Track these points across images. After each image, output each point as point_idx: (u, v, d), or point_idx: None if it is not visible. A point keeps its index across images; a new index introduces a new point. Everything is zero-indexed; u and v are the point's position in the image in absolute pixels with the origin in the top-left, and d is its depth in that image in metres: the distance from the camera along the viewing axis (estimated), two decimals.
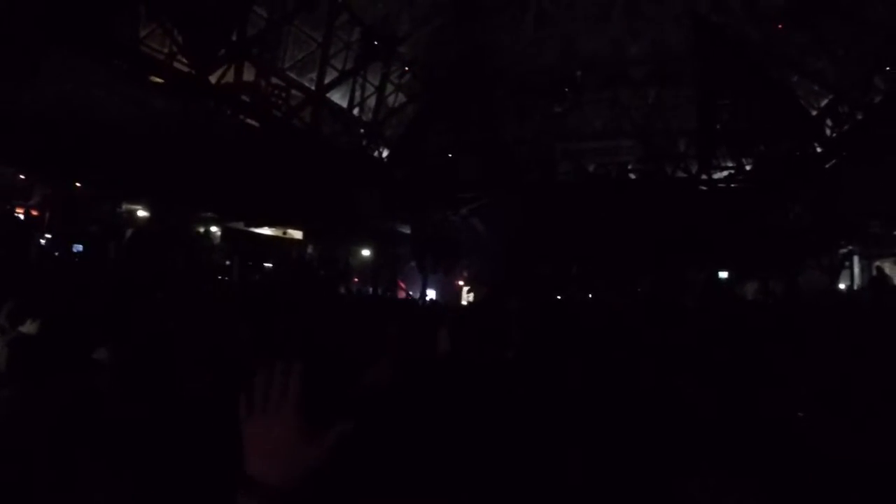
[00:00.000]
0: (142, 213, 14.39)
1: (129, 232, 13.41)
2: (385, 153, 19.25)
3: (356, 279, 19.28)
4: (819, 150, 14.52)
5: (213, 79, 14.37)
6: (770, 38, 14.86)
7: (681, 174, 18.28)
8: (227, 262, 16.38)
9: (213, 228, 16.17)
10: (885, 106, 12.22)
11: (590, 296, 17.97)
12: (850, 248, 15.00)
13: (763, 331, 7.66)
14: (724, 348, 5.66)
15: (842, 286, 14.69)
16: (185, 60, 13.79)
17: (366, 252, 19.87)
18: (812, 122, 14.79)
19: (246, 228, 16.77)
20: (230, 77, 14.80)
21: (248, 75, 15.36)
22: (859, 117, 13.14)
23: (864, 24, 11.91)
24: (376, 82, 18.18)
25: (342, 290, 18.14)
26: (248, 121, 15.50)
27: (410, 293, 20.25)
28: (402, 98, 19.02)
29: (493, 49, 18.25)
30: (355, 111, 18.15)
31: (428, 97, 18.93)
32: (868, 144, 12.89)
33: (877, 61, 12.09)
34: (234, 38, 14.48)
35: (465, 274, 21.02)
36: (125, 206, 14.30)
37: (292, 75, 16.48)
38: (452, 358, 4.67)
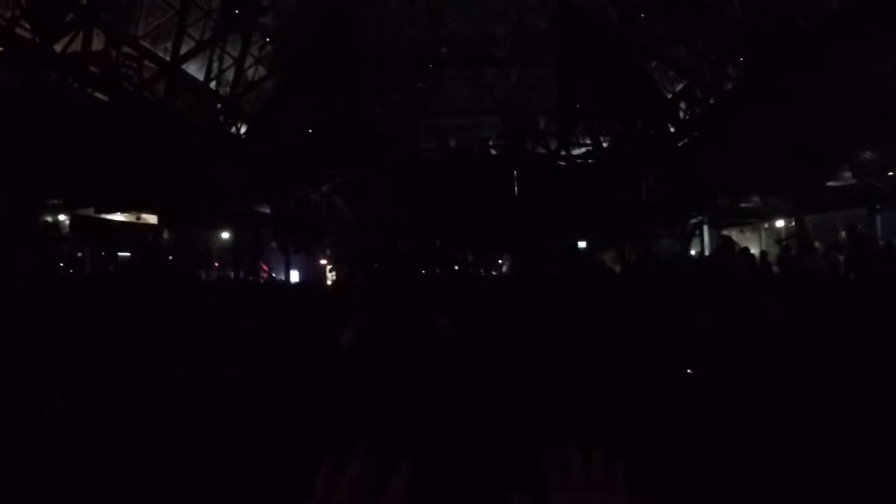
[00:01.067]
0: None
1: None
2: (243, 129, 18.18)
3: (216, 263, 18.20)
4: (672, 130, 15.89)
5: (58, 48, 12.75)
6: (632, 24, 15.92)
7: (541, 150, 19.13)
8: (79, 254, 14.88)
9: (61, 217, 14.45)
10: (736, 92, 13.62)
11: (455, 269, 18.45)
12: (700, 218, 16.67)
13: (616, 291, 8.47)
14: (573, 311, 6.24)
15: (693, 252, 16.32)
16: (27, 26, 12.12)
17: (225, 234, 18.76)
18: (666, 104, 16.13)
19: (96, 215, 15.18)
20: (77, 46, 13.21)
21: (98, 44, 13.77)
22: (711, 101, 14.54)
23: (720, 18, 13.14)
24: (236, 54, 17.02)
25: (203, 275, 17.10)
26: (97, 94, 13.96)
27: (273, 275, 19.52)
28: (262, 71, 17.98)
29: (358, 23, 17.80)
30: (212, 84, 16.90)
31: (289, 70, 18.08)
32: (718, 126, 14.32)
33: (730, 51, 13.41)
34: (82, 1, 12.95)
35: (328, 253, 20.60)
36: None
37: (146, 45, 15.00)
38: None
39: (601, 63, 16.41)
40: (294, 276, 19.50)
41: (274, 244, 19.74)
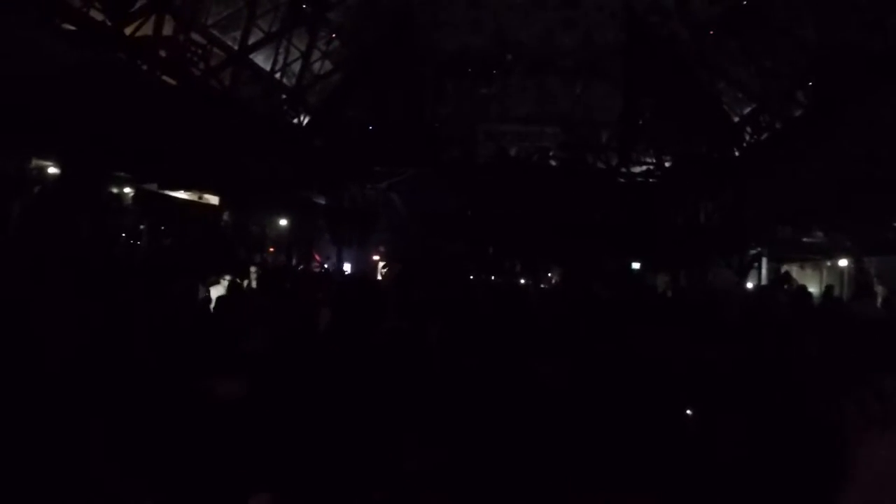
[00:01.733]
0: (52, 170, 13.16)
1: (35, 189, 12.29)
2: (306, 121, 18.54)
3: (272, 249, 18.61)
4: (737, 154, 15.23)
5: (129, 31, 13.28)
6: (701, 43, 15.37)
7: (600, 165, 18.71)
8: (141, 227, 15.49)
9: (127, 190, 15.06)
10: (804, 119, 12.93)
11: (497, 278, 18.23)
12: (759, 250, 15.91)
13: (664, 318, 8.04)
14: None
15: (749, 285, 15.57)
16: (100, 7, 12.65)
17: (283, 222, 19.15)
18: (733, 127, 15.49)
19: (159, 191, 15.74)
20: (148, 30, 13.73)
21: (168, 30, 14.27)
22: (778, 127, 13.85)
23: (793, 40, 12.49)
24: (303, 47, 17.36)
25: (257, 259, 17.50)
26: (165, 78, 14.45)
27: (325, 265, 19.80)
28: (328, 66, 18.29)
29: (425, 24, 17.86)
30: (278, 75, 17.28)
31: (353, 66, 18.32)
32: (784, 153, 13.61)
33: (801, 76, 12.74)
34: None
35: (382, 249, 20.75)
36: (34, 162, 13.02)
37: (215, 33, 15.45)
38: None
39: (668, 80, 15.90)
40: (347, 268, 19.73)
41: (327, 235, 20.03)
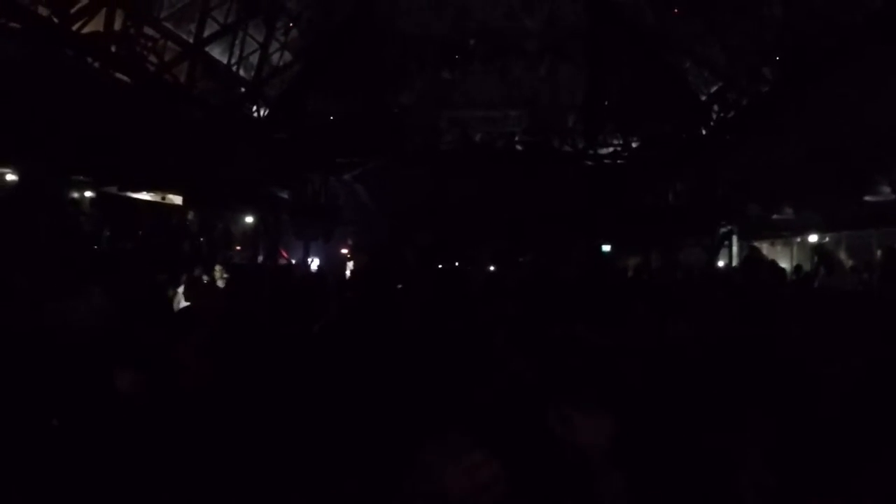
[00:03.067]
0: (10, 176, 12.57)
1: None
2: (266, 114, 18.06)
3: (238, 247, 18.14)
4: (704, 133, 15.29)
5: (78, 27, 12.69)
6: (666, 22, 15.33)
7: (567, 148, 18.64)
8: (107, 232, 14.98)
9: (88, 193, 14.51)
10: (771, 95, 13.00)
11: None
12: (730, 228, 16.05)
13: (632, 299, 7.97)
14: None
15: (721, 264, 15.72)
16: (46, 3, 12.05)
17: (249, 219, 18.69)
18: (700, 106, 15.53)
19: (120, 193, 15.20)
20: (98, 26, 13.14)
21: (120, 25, 13.68)
22: (745, 104, 13.92)
23: (758, 18, 12.51)
24: (260, 38, 16.82)
25: (223, 257, 17.06)
26: (118, 75, 13.88)
27: (292, 261, 19.40)
28: (287, 57, 17.78)
29: (385, 10, 17.49)
30: (235, 68, 16.75)
31: (313, 56, 17.87)
32: (751, 131, 13.70)
33: (767, 52, 12.78)
34: None
35: (349, 242, 20.42)
36: None
37: (168, 26, 14.86)
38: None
39: (633, 61, 15.85)
40: (315, 264, 19.39)
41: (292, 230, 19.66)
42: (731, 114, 14.45)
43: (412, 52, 18.24)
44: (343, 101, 18.22)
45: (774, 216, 14.83)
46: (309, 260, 19.35)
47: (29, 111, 10.80)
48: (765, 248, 13.71)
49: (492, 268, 16.64)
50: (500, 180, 18.34)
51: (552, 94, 18.74)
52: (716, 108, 15.02)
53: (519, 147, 19.31)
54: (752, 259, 13.16)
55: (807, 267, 13.00)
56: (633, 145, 17.47)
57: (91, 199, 15.27)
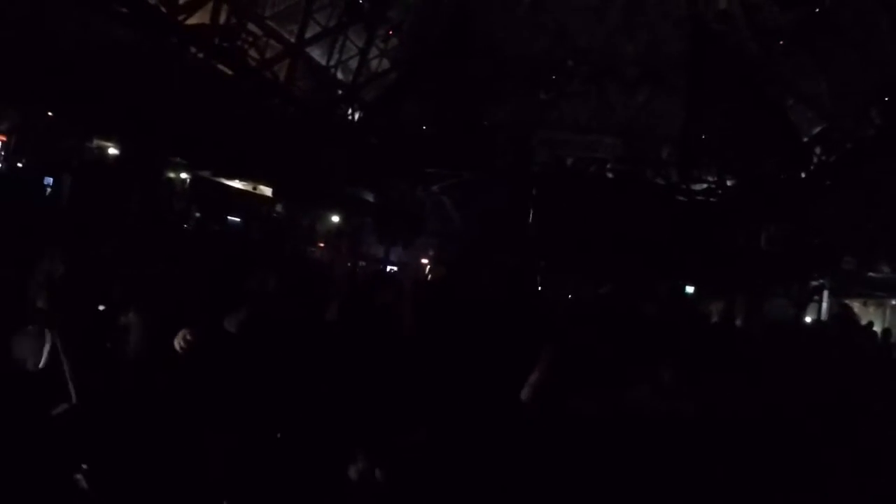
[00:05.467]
0: (113, 150, 13.55)
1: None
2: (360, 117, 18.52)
3: (321, 244, 18.66)
4: (804, 175, 14.22)
5: (184, 18, 13.52)
6: (770, 54, 14.43)
7: (660, 181, 17.89)
8: (197, 214, 15.82)
9: (184, 175, 15.39)
10: (878, 139, 11.88)
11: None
12: (822, 281, 14.80)
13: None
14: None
15: (808, 319, 14.49)
16: None
17: (334, 218, 19.18)
18: (801, 147, 14.46)
19: (213, 178, 16.02)
20: (205, 18, 13.95)
21: (224, 18, 14.47)
22: (849, 147, 12.82)
23: (867, 53, 11.50)
24: (360, 44, 17.33)
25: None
26: (221, 67, 14.65)
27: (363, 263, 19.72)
28: (385, 64, 18.21)
29: (485, 25, 17.54)
30: (335, 71, 17.32)
31: (410, 65, 18.17)
32: (854, 177, 12.58)
33: (875, 92, 11.72)
34: None
35: (431, 253, 20.49)
36: (96, 142, 13.42)
37: (272, 24, 15.59)
38: None
39: (734, 94, 15.00)
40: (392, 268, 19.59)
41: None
42: (834, 157, 13.33)
43: (509, 70, 18.15)
44: (437, 112, 18.37)
45: (870, 273, 13.50)
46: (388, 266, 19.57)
47: (133, 91, 11.55)
48: (855, 307, 12.47)
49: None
50: (588, 207, 17.86)
51: (648, 123, 18.06)
52: (818, 150, 13.91)
53: (610, 175, 18.72)
54: (845, 318, 12.05)
55: None
56: (728, 183, 16.49)
57: (185, 180, 16.16)
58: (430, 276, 20.27)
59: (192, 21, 13.86)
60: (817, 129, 14.61)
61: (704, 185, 17.05)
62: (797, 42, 13.42)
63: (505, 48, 17.78)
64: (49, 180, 12.34)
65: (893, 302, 13.87)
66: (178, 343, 3.35)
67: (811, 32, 12.70)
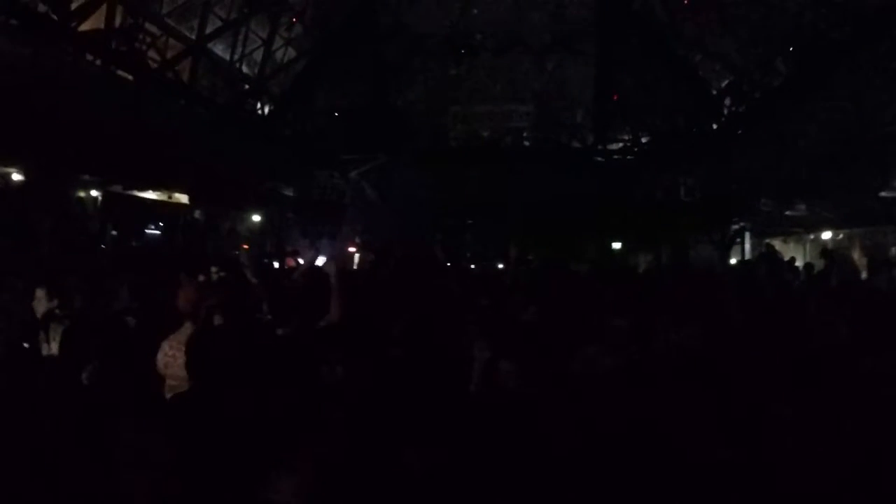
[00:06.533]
0: (15, 176, 12.51)
1: None
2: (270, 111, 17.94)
3: (245, 245, 18.05)
4: (716, 127, 14.95)
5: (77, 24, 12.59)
6: (676, 14, 14.99)
7: (576, 144, 18.34)
8: (114, 232, 14.96)
9: (94, 193, 14.45)
10: (784, 88, 12.64)
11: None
12: (742, 224, 15.70)
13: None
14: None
15: (732, 261, 15.37)
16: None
17: (255, 217, 18.56)
18: (711, 100, 15.18)
19: (125, 192, 15.14)
20: (99, 23, 13.03)
21: (120, 21, 13.56)
22: (757, 97, 13.57)
23: (770, 7, 12.16)
24: (264, 35, 16.68)
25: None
26: (120, 72, 13.79)
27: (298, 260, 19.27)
28: (292, 54, 17.63)
29: (390, 5, 17.27)
30: (240, 65, 16.63)
31: (317, 52, 17.69)
32: (764, 124, 13.35)
33: (780, 44, 12.43)
34: None
35: (357, 240, 20.25)
36: None
37: (170, 22, 14.75)
38: None
39: (642, 54, 15.52)
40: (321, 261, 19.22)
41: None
42: (743, 107, 14.09)
43: (418, 48, 18.00)
44: (348, 97, 18.04)
45: (787, 212, 14.47)
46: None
47: (30, 110, 10.71)
48: (776, 245, 13.32)
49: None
50: (508, 177, 18.09)
51: (560, 90, 18.44)
52: (727, 101, 14.67)
53: (527, 143, 19.02)
54: (770, 256, 12.79)
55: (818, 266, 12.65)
56: (643, 140, 17.13)
57: (96, 198, 15.21)
58: (357, 264, 20.14)
59: (85, 26, 12.91)
60: (726, 82, 15.40)
61: (620, 145, 17.62)
62: (702, 1, 14.02)
63: (412, 27, 17.60)
64: None
65: (811, 237, 14.95)
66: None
67: None
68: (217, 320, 4.37)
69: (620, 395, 3.79)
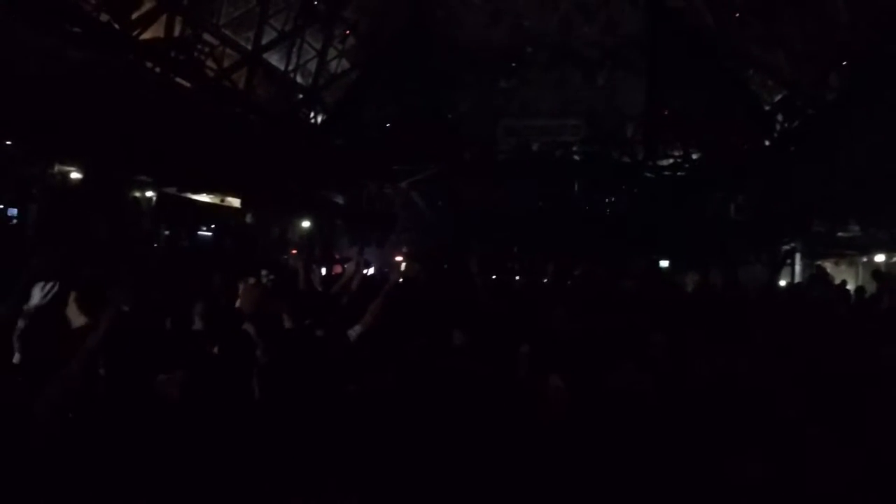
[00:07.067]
0: (74, 174, 13.16)
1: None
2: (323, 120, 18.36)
3: (294, 251, 18.47)
4: (768, 144, 14.53)
5: (138, 33, 13.18)
6: (727, 27, 14.67)
7: (626, 159, 18.10)
8: (167, 232, 15.52)
9: (149, 194, 15.05)
10: (838, 104, 12.20)
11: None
12: (793, 245, 15.16)
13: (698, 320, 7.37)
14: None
15: (782, 283, 14.84)
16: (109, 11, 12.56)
17: (305, 223, 18.98)
18: (763, 116, 14.76)
19: (179, 194, 15.71)
20: (159, 32, 13.61)
21: (178, 31, 14.14)
22: (810, 113, 13.13)
23: (823, 19, 11.77)
24: (318, 46, 17.12)
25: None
26: (178, 80, 14.34)
27: (345, 266, 19.57)
28: (345, 64, 18.03)
29: (442, 18, 17.48)
30: (294, 75, 17.09)
31: (370, 64, 18.04)
32: (817, 142, 12.89)
33: (834, 58, 12.01)
34: None
35: (405, 249, 20.46)
36: (58, 168, 13.02)
37: (227, 33, 15.29)
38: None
39: (693, 68, 15.22)
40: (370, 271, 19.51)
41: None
42: (796, 123, 13.65)
43: (468, 61, 18.15)
44: (399, 108, 18.29)
45: (840, 234, 13.89)
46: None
47: (91, 113, 11.24)
48: (828, 268, 12.79)
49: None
50: (558, 191, 18.00)
51: (610, 104, 18.27)
52: (780, 117, 14.22)
53: (577, 157, 18.87)
54: (820, 279, 12.32)
55: (871, 289, 12.07)
56: (694, 157, 16.77)
57: (151, 199, 15.82)
58: (405, 274, 20.30)
59: (146, 36, 13.50)
60: (778, 97, 14.94)
61: (671, 161, 17.30)
62: (753, 13, 13.67)
63: (463, 39, 17.77)
64: (13, 211, 12.03)
65: (864, 259, 14.29)
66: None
67: (767, 2, 12.95)
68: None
69: (653, 412, 3.77)
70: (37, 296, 3.76)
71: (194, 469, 2.72)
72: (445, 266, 14.49)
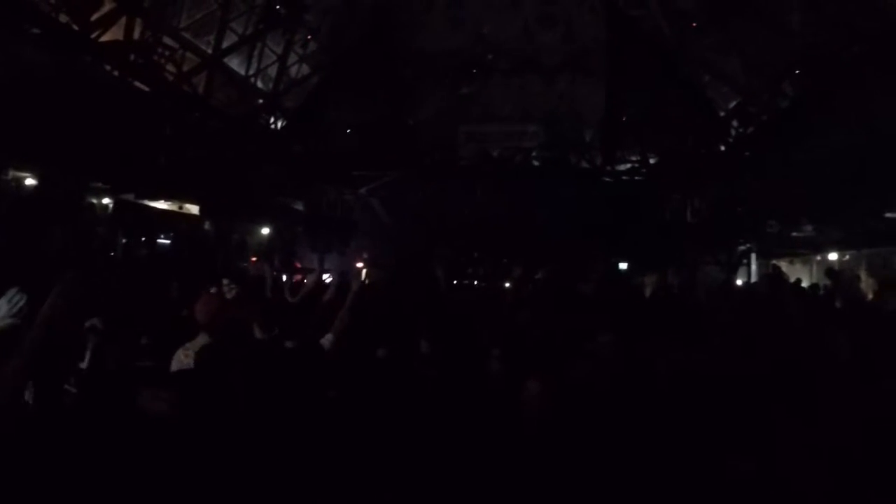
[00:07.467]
0: (29, 181, 12.65)
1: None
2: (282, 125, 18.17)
3: (254, 258, 18.16)
4: (723, 148, 15.04)
5: (98, 35, 12.84)
6: (684, 35, 15.16)
7: (585, 164, 18.46)
8: (124, 240, 15.08)
9: (106, 200, 14.59)
10: (792, 110, 12.73)
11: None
12: (748, 245, 15.70)
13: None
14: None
15: (738, 283, 15.35)
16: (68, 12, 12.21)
17: (265, 230, 18.70)
18: (719, 121, 15.27)
19: (136, 201, 15.29)
20: (118, 34, 13.29)
21: (138, 34, 13.83)
22: (765, 119, 13.66)
23: (778, 28, 12.29)
24: (279, 50, 16.97)
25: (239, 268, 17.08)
26: (137, 83, 14.02)
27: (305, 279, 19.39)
28: (305, 69, 17.90)
29: (403, 25, 17.54)
30: (254, 80, 16.89)
31: (331, 69, 17.96)
32: (771, 146, 13.41)
33: (787, 66, 12.55)
34: None
35: (365, 256, 20.36)
36: (12, 174, 12.51)
37: (187, 36, 15.02)
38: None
39: (651, 75, 15.66)
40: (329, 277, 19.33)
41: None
42: (751, 129, 14.19)
43: (429, 67, 18.24)
44: (360, 114, 18.25)
45: (793, 234, 14.48)
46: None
47: (47, 116, 10.89)
48: (783, 267, 13.32)
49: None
50: (517, 196, 18.20)
51: (570, 109, 18.62)
52: (735, 123, 14.75)
53: (536, 163, 19.16)
54: (775, 277, 12.73)
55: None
56: (651, 161, 17.23)
57: (108, 205, 15.37)
58: (366, 280, 20.21)
59: (105, 38, 13.16)
60: (733, 104, 15.50)
61: (629, 165, 17.73)
62: (710, 21, 14.18)
63: (424, 46, 17.86)
64: None
65: (818, 258, 14.92)
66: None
67: (723, 12, 13.45)
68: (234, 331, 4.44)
69: (609, 410, 3.82)
70: (3, 308, 3.59)
71: (182, 483, 2.67)
72: (408, 272, 14.53)
